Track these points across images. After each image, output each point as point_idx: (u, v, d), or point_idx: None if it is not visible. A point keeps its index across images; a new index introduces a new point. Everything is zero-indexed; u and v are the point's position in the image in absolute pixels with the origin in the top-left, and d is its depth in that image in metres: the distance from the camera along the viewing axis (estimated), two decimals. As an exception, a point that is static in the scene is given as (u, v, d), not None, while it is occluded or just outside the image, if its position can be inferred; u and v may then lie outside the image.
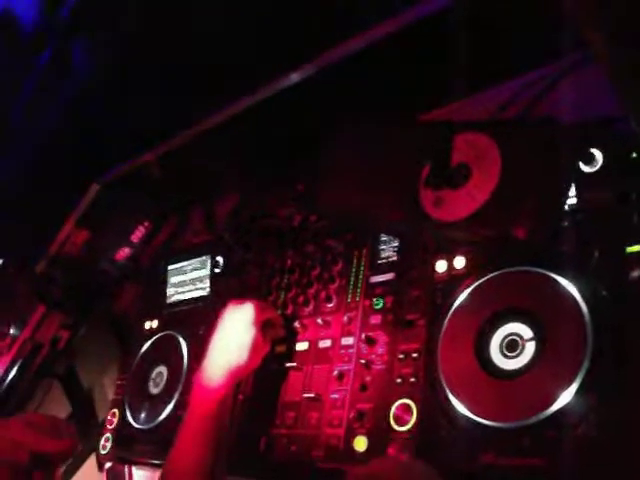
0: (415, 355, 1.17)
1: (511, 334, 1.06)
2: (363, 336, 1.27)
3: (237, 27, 1.41)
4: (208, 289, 1.76)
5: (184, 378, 1.60)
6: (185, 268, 1.86)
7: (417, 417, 1.11)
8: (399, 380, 1.17)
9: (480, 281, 1.15)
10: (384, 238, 1.37)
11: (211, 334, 1.36)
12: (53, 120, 1.86)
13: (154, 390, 1.68)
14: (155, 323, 1.85)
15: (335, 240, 1.46)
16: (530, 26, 1.20)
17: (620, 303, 0.96)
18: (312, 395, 1.30)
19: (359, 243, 1.42)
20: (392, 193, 1.31)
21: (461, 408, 1.05)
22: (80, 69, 1.65)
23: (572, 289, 1.01)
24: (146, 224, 2.01)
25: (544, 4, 1.05)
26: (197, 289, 1.80)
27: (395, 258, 1.33)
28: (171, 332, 1.75)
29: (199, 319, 1.69)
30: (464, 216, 1.16)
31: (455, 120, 1.27)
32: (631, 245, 0.97)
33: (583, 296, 0.99)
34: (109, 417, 1.77)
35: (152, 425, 1.61)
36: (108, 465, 1.80)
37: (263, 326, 1.35)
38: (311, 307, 1.44)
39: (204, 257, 1.81)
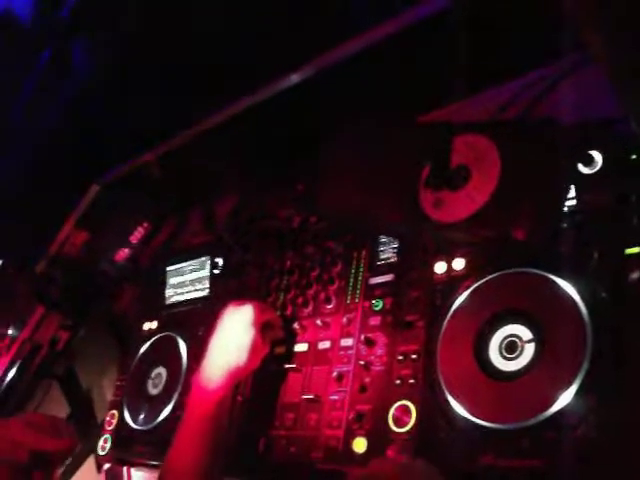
0: (414, 356, 1.17)
1: (510, 335, 1.05)
2: (362, 337, 1.27)
3: (237, 27, 1.41)
4: (207, 290, 1.76)
5: (183, 379, 1.60)
6: (184, 269, 1.86)
7: (416, 418, 1.11)
8: (398, 381, 1.17)
9: (479, 282, 1.14)
10: (383, 239, 1.37)
11: (210, 335, 1.36)
12: (53, 120, 1.86)
13: (153, 391, 1.67)
14: (154, 324, 1.85)
15: (335, 241, 1.46)
16: (530, 27, 1.20)
17: (619, 305, 0.96)
18: (311, 396, 1.29)
19: (358, 244, 1.42)
20: (392, 194, 1.31)
21: (460, 409, 1.05)
22: (80, 69, 1.65)
23: (571, 290, 1.01)
24: (145, 225, 2.01)
25: (544, 5, 1.06)
26: (196, 290, 1.79)
27: (394, 259, 1.33)
28: (170, 333, 1.75)
29: (198, 320, 1.68)
30: (463, 217, 1.16)
31: (454, 121, 1.27)
32: (630, 247, 0.97)
33: (582, 297, 0.99)
34: (108, 418, 1.77)
35: (151, 426, 1.61)
36: (107, 466, 1.79)
37: (263, 327, 1.35)
38: (310, 308, 1.44)
39: (203, 258, 1.81)
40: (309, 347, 1.39)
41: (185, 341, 1.68)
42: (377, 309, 1.29)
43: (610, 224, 1.02)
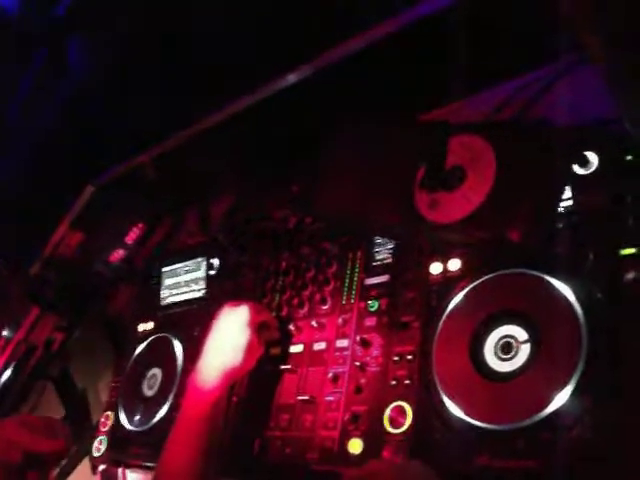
0: (410, 357, 1.17)
1: (506, 336, 1.06)
2: (358, 338, 1.27)
3: (237, 27, 1.41)
4: (203, 291, 1.76)
5: (178, 380, 1.59)
6: (179, 270, 1.86)
7: (412, 419, 1.11)
8: (394, 382, 1.17)
9: (475, 283, 1.15)
10: (379, 240, 1.37)
11: (206, 336, 1.36)
12: (48, 121, 1.86)
13: (148, 392, 1.67)
14: (149, 325, 1.85)
15: (330, 242, 1.46)
16: (527, 28, 1.20)
17: (615, 305, 0.96)
18: (307, 397, 1.29)
19: (354, 245, 1.42)
20: (388, 195, 1.31)
21: (456, 410, 1.05)
22: (76, 69, 1.65)
23: (567, 291, 1.01)
24: (140, 226, 2.01)
25: (541, 6, 1.06)
26: (192, 291, 1.79)
27: (390, 260, 1.33)
28: (165, 334, 1.74)
29: (194, 321, 1.68)
30: (459, 218, 1.16)
31: (451, 122, 1.28)
32: (625, 247, 0.98)
33: (578, 298, 0.99)
34: (103, 419, 1.76)
35: (146, 427, 1.60)
36: (102, 467, 1.78)
37: (258, 328, 1.35)
38: (306, 309, 1.44)
39: (199, 259, 1.81)
40: (304, 348, 1.38)
41: (180, 342, 1.67)
42: (373, 310, 1.29)
43: (605, 225, 1.02)
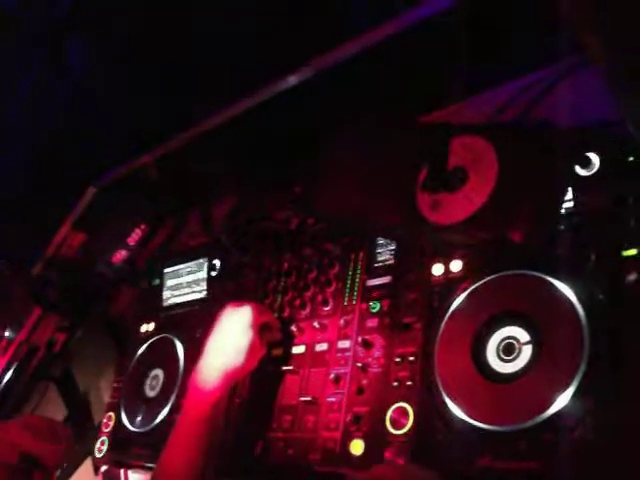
0: (412, 358, 1.17)
1: (508, 337, 1.06)
2: (360, 339, 1.27)
3: (237, 27, 1.41)
4: (205, 292, 1.76)
5: (180, 381, 1.59)
6: (181, 271, 1.86)
7: (414, 420, 1.11)
8: (396, 383, 1.17)
9: (477, 284, 1.15)
10: (381, 241, 1.37)
11: (207, 336, 1.36)
12: (50, 121, 1.86)
13: (150, 393, 1.67)
14: (151, 326, 1.85)
15: (332, 243, 1.46)
16: (528, 29, 1.20)
17: (616, 306, 0.96)
18: (309, 398, 1.29)
19: (356, 246, 1.42)
20: (389, 196, 1.31)
21: (458, 411, 1.05)
22: (77, 69, 1.65)
23: (568, 292, 1.01)
24: (143, 227, 2.01)
25: (541, 7, 1.06)
26: (193, 292, 1.79)
27: (392, 261, 1.33)
28: (167, 335, 1.74)
29: (195, 322, 1.68)
30: (461, 219, 1.16)
31: (452, 123, 1.28)
32: (627, 248, 0.98)
33: (579, 299, 0.99)
34: (105, 420, 1.77)
35: (148, 428, 1.61)
36: (104, 468, 1.79)
37: (260, 329, 1.35)
38: (308, 310, 1.44)
39: (201, 260, 1.81)
40: (306, 349, 1.39)
41: (182, 343, 1.68)
42: (374, 311, 1.29)
43: (607, 226, 1.02)
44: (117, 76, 1.67)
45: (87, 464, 1.97)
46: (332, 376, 1.28)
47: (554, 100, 1.25)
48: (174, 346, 1.69)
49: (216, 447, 1.27)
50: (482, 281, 1.14)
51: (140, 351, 1.79)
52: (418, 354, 1.17)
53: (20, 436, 1.08)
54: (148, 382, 1.70)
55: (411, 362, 1.17)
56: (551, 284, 1.04)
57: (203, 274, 1.78)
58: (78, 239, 2.07)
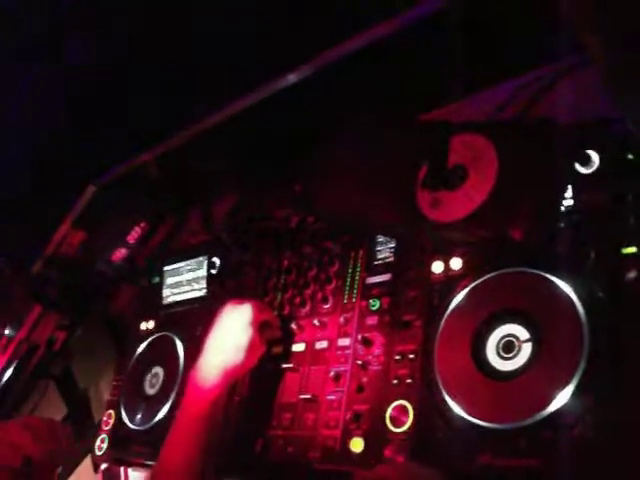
0: (412, 356, 1.17)
1: (507, 335, 1.06)
2: (359, 337, 1.27)
3: (236, 27, 1.41)
4: (205, 290, 1.76)
5: (180, 379, 1.59)
6: (181, 269, 1.86)
7: (413, 418, 1.11)
8: (395, 381, 1.17)
9: (477, 282, 1.15)
10: (381, 239, 1.37)
11: (207, 334, 1.36)
12: (49, 120, 1.86)
13: (150, 391, 1.67)
14: (151, 324, 1.85)
15: (332, 241, 1.46)
16: (528, 28, 1.20)
17: (616, 304, 0.96)
18: (308, 396, 1.29)
19: (356, 244, 1.42)
20: (389, 194, 1.31)
21: (457, 409, 1.05)
22: (77, 68, 1.65)
23: (568, 290, 1.01)
24: (142, 225, 2.01)
25: (542, 6, 1.06)
26: (193, 290, 1.79)
27: (392, 259, 1.33)
28: (167, 333, 1.75)
29: (195, 320, 1.68)
30: (461, 217, 1.16)
31: (452, 121, 1.28)
32: (627, 246, 0.98)
33: (579, 297, 0.99)
34: (105, 418, 1.77)
35: (148, 426, 1.61)
36: (104, 466, 1.79)
37: (260, 327, 1.35)
38: (307, 308, 1.44)
39: (201, 258, 1.81)
40: (306, 347, 1.39)
41: (182, 341, 1.68)
42: (374, 309, 1.29)
43: (607, 224, 1.02)
44: (117, 75, 1.67)
45: (87, 462, 1.97)
46: (332, 374, 1.28)
47: (554, 98, 1.25)
48: (174, 344, 1.69)
49: (215, 445, 1.27)
50: (482, 279, 1.14)
51: (140, 349, 1.80)
52: (418, 352, 1.17)
53: (21, 437, 1.08)
54: (148, 380, 1.70)
55: (411, 360, 1.17)
56: (551, 282, 1.04)
57: (203, 272, 1.78)
58: (78, 237, 2.07)
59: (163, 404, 1.59)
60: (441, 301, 1.18)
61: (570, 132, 1.12)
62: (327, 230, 1.49)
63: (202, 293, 1.76)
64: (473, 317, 1.11)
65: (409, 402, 1.13)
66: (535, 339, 1.02)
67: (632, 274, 0.95)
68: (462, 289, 1.16)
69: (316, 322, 1.37)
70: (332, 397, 1.27)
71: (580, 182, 1.07)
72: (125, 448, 1.67)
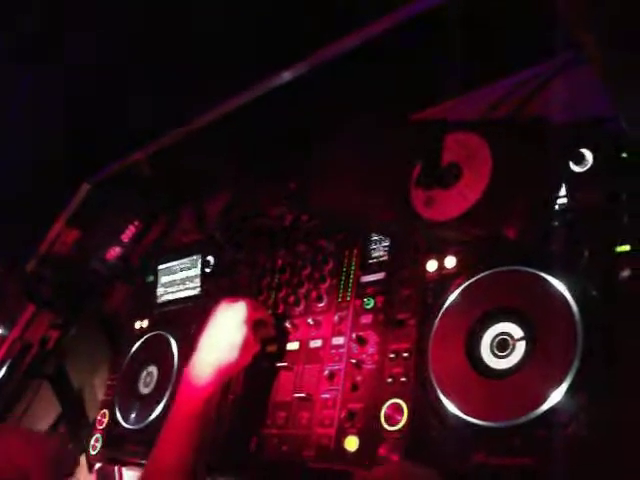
0: (406, 355, 1.17)
1: (501, 334, 1.06)
2: (354, 336, 1.27)
3: (234, 25, 1.41)
4: (198, 289, 1.76)
5: (174, 378, 1.59)
6: (175, 268, 1.86)
7: (408, 417, 1.11)
8: (390, 380, 1.17)
9: (471, 281, 1.15)
10: (375, 238, 1.37)
11: (201, 332, 1.35)
12: (44, 119, 1.85)
13: (144, 390, 1.67)
14: (145, 323, 1.85)
15: (326, 240, 1.46)
16: (523, 25, 1.20)
17: (610, 302, 0.96)
18: (303, 395, 1.29)
19: (350, 243, 1.42)
20: (383, 193, 1.31)
21: (452, 408, 1.05)
22: (71, 67, 1.65)
23: (562, 288, 1.01)
24: (136, 223, 2.00)
25: (537, 3, 1.06)
26: (187, 289, 1.79)
27: (386, 258, 1.33)
28: (161, 332, 1.74)
29: (189, 319, 1.68)
30: (455, 216, 1.16)
31: (446, 119, 1.28)
32: (621, 245, 0.98)
33: (573, 295, 0.99)
34: (99, 417, 1.76)
35: (142, 425, 1.61)
36: (98, 466, 1.79)
37: (255, 325, 1.35)
38: (302, 307, 1.44)
39: (194, 257, 1.81)
40: (300, 345, 1.39)
41: (176, 340, 1.67)
42: (368, 307, 1.29)
43: (601, 222, 1.02)
44: (112, 74, 1.66)
45: (81, 462, 1.96)
46: (326, 372, 1.28)
47: (548, 96, 1.25)
48: (168, 343, 1.69)
49: (208, 443, 1.27)
50: (476, 277, 1.14)
51: (134, 348, 1.79)
52: (412, 350, 1.17)
53: (17, 450, 1.08)
54: (142, 379, 1.69)
55: (405, 358, 1.17)
56: (545, 280, 1.04)
57: (197, 271, 1.78)
58: (72, 236, 2.06)
59: (157, 403, 1.59)
60: (435, 300, 1.18)
61: (564, 131, 1.12)
62: (321, 229, 1.49)
63: (196, 292, 1.76)
64: (467, 315, 1.11)
65: (403, 401, 1.13)
66: (529, 337, 1.02)
67: (626, 272, 0.96)
68: (456, 288, 1.16)
69: (310, 321, 1.37)
70: (326, 396, 1.27)
71: (574, 181, 1.07)
72: (119, 447, 1.66)
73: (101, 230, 2.05)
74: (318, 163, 1.50)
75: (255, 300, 1.47)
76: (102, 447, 1.71)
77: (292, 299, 1.46)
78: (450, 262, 1.20)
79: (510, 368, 1.02)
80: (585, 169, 1.07)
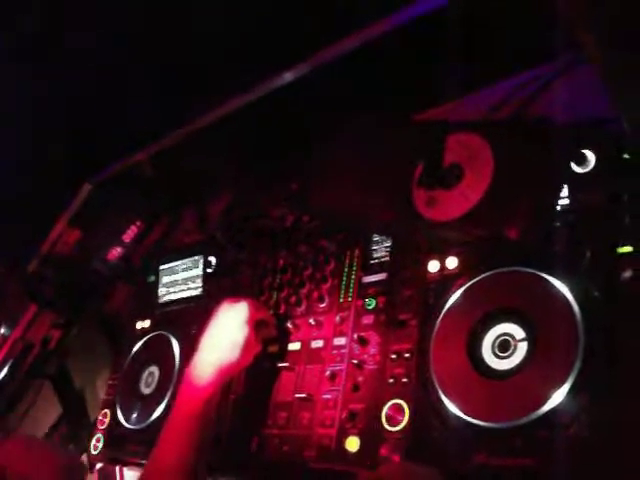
0: (407, 355, 1.17)
1: (503, 334, 1.06)
2: (355, 336, 1.27)
3: (234, 25, 1.41)
4: (200, 289, 1.76)
5: (176, 378, 1.59)
6: (177, 268, 1.86)
7: (409, 417, 1.11)
8: (391, 380, 1.17)
9: (472, 281, 1.15)
10: (376, 238, 1.37)
11: (203, 332, 1.35)
12: (45, 119, 1.85)
13: (146, 390, 1.67)
14: (147, 323, 1.85)
15: (328, 240, 1.46)
16: (524, 26, 1.20)
17: (611, 303, 0.96)
18: (304, 395, 1.29)
19: (351, 243, 1.41)
20: (384, 193, 1.31)
21: (453, 408, 1.05)
22: (73, 67, 1.65)
23: (564, 289, 1.01)
24: (138, 223, 2.01)
25: (538, 4, 1.06)
26: (189, 289, 1.79)
27: (387, 258, 1.33)
28: (163, 332, 1.74)
29: (191, 319, 1.68)
30: (457, 216, 1.16)
31: (448, 120, 1.28)
32: (622, 245, 0.98)
33: (575, 296, 0.99)
34: (100, 417, 1.77)
35: (143, 425, 1.61)
36: (99, 465, 1.79)
37: (256, 325, 1.35)
38: (303, 307, 1.44)
39: (196, 257, 1.81)
40: (302, 346, 1.39)
41: (178, 340, 1.67)
42: (370, 308, 1.29)
43: (602, 223, 1.02)
44: (114, 74, 1.66)
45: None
46: (328, 373, 1.28)
47: (550, 97, 1.25)
48: (170, 343, 1.69)
49: (208, 443, 1.27)
50: (478, 278, 1.14)
51: (136, 348, 1.79)
52: (414, 351, 1.17)
53: (18, 457, 1.08)
54: (144, 379, 1.69)
55: (407, 359, 1.17)
56: (546, 281, 1.04)
57: (199, 271, 1.78)
58: (74, 236, 2.07)
59: (159, 403, 1.59)
60: (437, 300, 1.18)
61: (566, 131, 1.12)
62: (323, 229, 1.49)
63: (198, 292, 1.76)
64: (469, 316, 1.11)
65: (405, 401, 1.13)
66: (530, 338, 1.02)
67: (627, 273, 0.96)
68: (458, 288, 1.16)
69: (312, 321, 1.37)
70: (328, 396, 1.27)
71: (576, 181, 1.07)
72: (120, 447, 1.66)
73: (103, 230, 2.06)
74: (319, 163, 1.50)
75: (257, 300, 1.47)
76: (103, 447, 1.71)
77: (293, 299, 1.46)
78: (452, 263, 1.19)
79: (511, 369, 1.02)
80: (587, 170, 1.07)
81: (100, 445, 1.71)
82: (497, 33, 1.25)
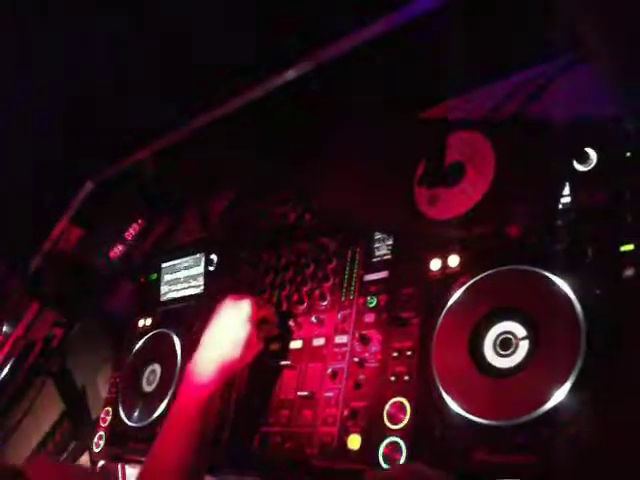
0: (409, 353, 1.17)
1: (505, 332, 1.06)
2: (357, 334, 1.27)
3: (234, 25, 1.41)
4: (202, 287, 1.76)
5: (177, 376, 1.59)
6: (179, 266, 1.86)
7: (411, 415, 1.11)
8: (393, 378, 1.17)
9: (474, 279, 1.15)
10: (378, 236, 1.37)
11: (205, 330, 1.35)
12: (48, 118, 1.86)
13: (147, 388, 1.67)
14: (149, 321, 1.85)
15: (329, 238, 1.46)
16: (524, 25, 1.20)
17: (614, 302, 0.96)
18: (306, 393, 1.29)
19: (353, 241, 1.41)
20: (387, 191, 1.31)
21: (455, 406, 1.05)
22: (75, 66, 1.65)
23: (566, 288, 1.01)
24: (140, 221, 2.01)
25: (537, 3, 1.06)
26: (191, 287, 1.79)
27: (389, 256, 1.33)
28: (165, 330, 1.75)
29: (193, 317, 1.68)
30: (458, 214, 1.16)
31: (450, 118, 1.28)
32: (625, 244, 0.98)
33: (577, 295, 0.99)
34: (102, 415, 1.77)
35: (145, 423, 1.61)
36: (101, 463, 1.79)
37: (258, 323, 1.35)
38: (305, 305, 1.44)
39: (198, 255, 1.81)
40: (304, 344, 1.39)
41: (179, 338, 1.68)
42: (372, 306, 1.29)
43: (604, 221, 1.02)
44: (116, 73, 1.67)
45: (84, 459, 1.97)
46: (329, 371, 1.28)
47: (552, 96, 1.25)
48: (171, 341, 1.69)
49: (210, 441, 1.27)
50: (479, 276, 1.14)
51: (137, 346, 1.79)
52: (415, 349, 1.17)
53: None
54: (145, 377, 1.70)
55: (408, 357, 1.17)
56: (548, 279, 1.04)
57: (200, 269, 1.78)
58: (75, 234, 2.07)
59: (161, 401, 1.59)
60: (439, 298, 1.18)
61: (568, 130, 1.12)
62: (325, 227, 1.49)
63: (199, 290, 1.76)
64: (470, 314, 1.11)
65: (406, 399, 1.13)
66: (532, 336, 1.02)
67: (629, 271, 0.96)
68: (460, 286, 1.16)
69: (313, 319, 1.37)
70: (329, 394, 1.27)
71: (578, 180, 1.07)
72: (122, 445, 1.66)
73: (105, 228, 2.06)
74: (321, 162, 1.50)
75: (259, 298, 1.47)
76: (105, 445, 1.71)
77: (295, 297, 1.46)
78: (453, 261, 1.19)
79: (513, 367, 1.02)
80: (589, 168, 1.07)
81: (102, 443, 1.72)
82: (497, 32, 1.25)
